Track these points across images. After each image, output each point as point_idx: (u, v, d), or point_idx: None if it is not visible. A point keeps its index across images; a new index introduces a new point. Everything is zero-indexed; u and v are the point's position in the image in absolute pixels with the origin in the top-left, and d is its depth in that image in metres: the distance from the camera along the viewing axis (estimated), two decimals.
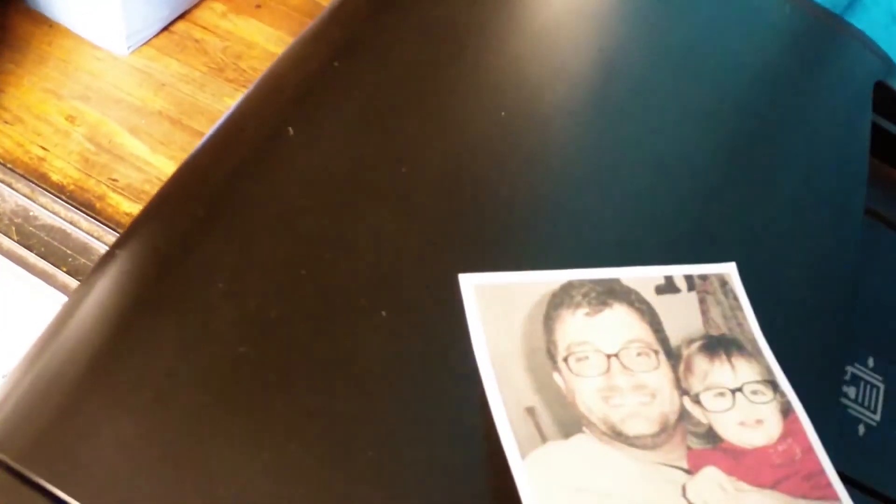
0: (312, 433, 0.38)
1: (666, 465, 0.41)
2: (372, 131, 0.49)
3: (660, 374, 0.44)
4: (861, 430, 0.54)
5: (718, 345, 0.46)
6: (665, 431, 0.42)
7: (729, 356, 0.46)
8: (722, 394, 0.44)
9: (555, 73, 0.57)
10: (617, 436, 0.41)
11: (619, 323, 0.45)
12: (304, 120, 0.48)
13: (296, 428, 0.38)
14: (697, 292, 0.47)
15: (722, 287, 0.48)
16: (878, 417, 0.55)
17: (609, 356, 0.44)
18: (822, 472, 0.43)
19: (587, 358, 0.43)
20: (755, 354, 0.46)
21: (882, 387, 0.56)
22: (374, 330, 0.42)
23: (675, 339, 0.45)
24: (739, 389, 0.45)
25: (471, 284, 0.43)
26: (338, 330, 0.42)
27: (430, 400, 0.42)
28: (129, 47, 1.18)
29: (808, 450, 0.44)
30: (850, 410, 0.55)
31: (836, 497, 0.43)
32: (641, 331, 0.45)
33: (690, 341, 0.45)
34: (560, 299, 0.45)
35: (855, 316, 0.58)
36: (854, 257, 0.55)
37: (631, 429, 0.42)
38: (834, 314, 0.53)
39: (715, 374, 0.45)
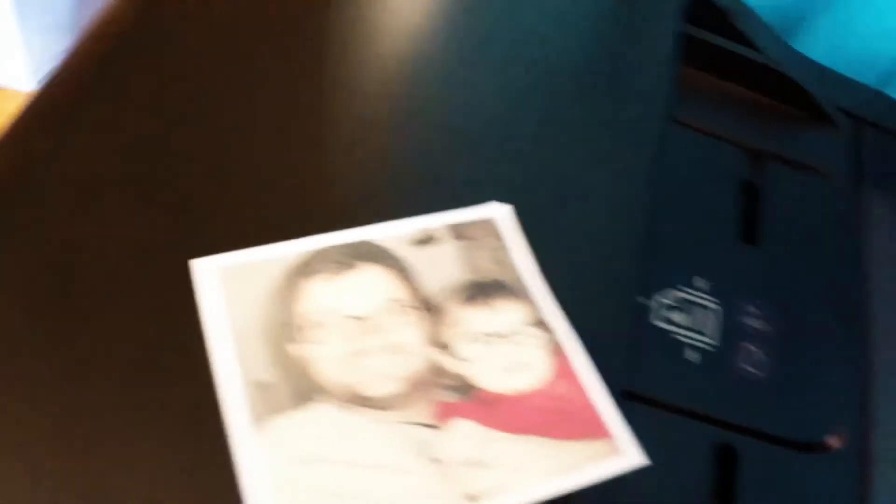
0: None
1: (411, 423, 0.39)
2: None
3: (412, 331, 0.42)
4: (693, 355, 0.51)
5: (481, 291, 0.44)
6: (412, 389, 0.40)
7: (492, 301, 0.44)
8: (480, 341, 0.42)
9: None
10: (356, 400, 0.39)
11: (369, 284, 0.43)
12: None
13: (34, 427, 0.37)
14: (461, 240, 0.45)
15: (490, 232, 0.45)
16: (712, 339, 0.52)
17: (354, 319, 0.42)
18: (594, 411, 0.41)
19: (328, 325, 0.41)
20: (523, 296, 0.44)
21: (716, 308, 0.53)
22: (109, 327, 0.40)
23: (433, 291, 0.43)
24: (501, 334, 0.43)
25: (207, 268, 0.42)
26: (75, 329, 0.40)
27: (166, 391, 0.40)
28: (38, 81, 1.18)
29: (581, 390, 0.41)
30: (677, 336, 0.52)
31: (607, 435, 0.40)
32: (394, 288, 0.43)
33: (451, 291, 0.43)
34: (302, 269, 0.43)
35: (672, 237, 0.55)
36: (650, 175, 0.52)
37: (372, 391, 0.40)
38: (631, 237, 0.50)
39: (474, 321, 0.43)
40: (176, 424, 0.38)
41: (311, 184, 0.47)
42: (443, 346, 0.42)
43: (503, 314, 0.43)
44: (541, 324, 0.43)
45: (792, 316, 0.55)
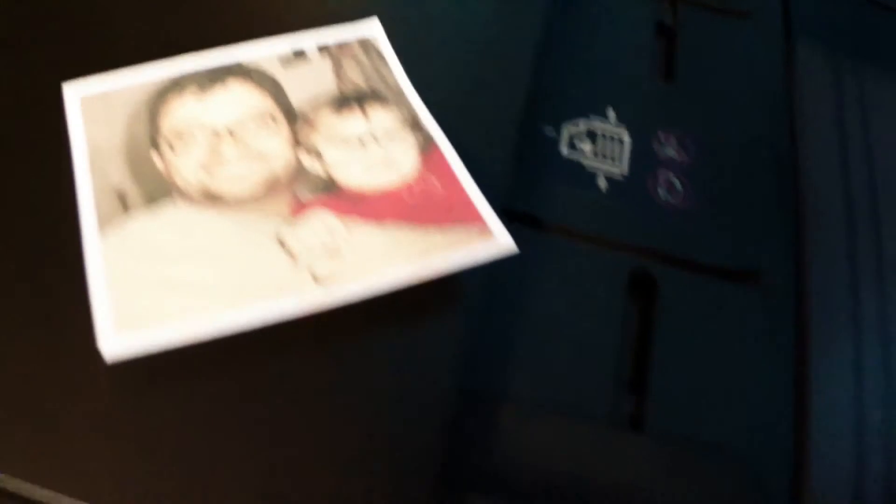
0: None
1: (265, 217, 0.38)
2: None
3: (277, 139, 0.41)
4: (602, 183, 0.49)
5: (352, 99, 0.43)
6: (270, 189, 0.39)
7: (363, 107, 0.42)
8: (350, 144, 0.41)
9: None
10: (211, 199, 0.38)
11: (236, 99, 0.42)
12: None
13: None
14: (333, 56, 0.44)
15: (363, 48, 0.44)
16: (623, 168, 0.50)
17: (219, 132, 0.41)
18: (463, 200, 0.40)
19: (191, 136, 0.41)
20: (397, 102, 0.42)
21: (628, 139, 0.51)
22: None
23: (301, 103, 0.42)
24: (373, 137, 0.41)
25: (76, 90, 0.41)
26: None
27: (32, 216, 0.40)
28: None
29: (451, 182, 0.40)
30: (586, 165, 0.50)
31: (477, 221, 0.39)
32: (262, 102, 0.42)
33: (321, 102, 0.42)
34: (171, 87, 0.42)
35: (584, 71, 0.53)
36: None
37: (228, 191, 0.39)
38: (521, 67, 0.48)
39: (343, 125, 0.42)
40: (40, 240, 0.38)
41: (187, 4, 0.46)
42: (308, 150, 0.40)
43: (376, 119, 0.42)
44: (415, 125, 0.41)
45: (711, 149, 0.53)
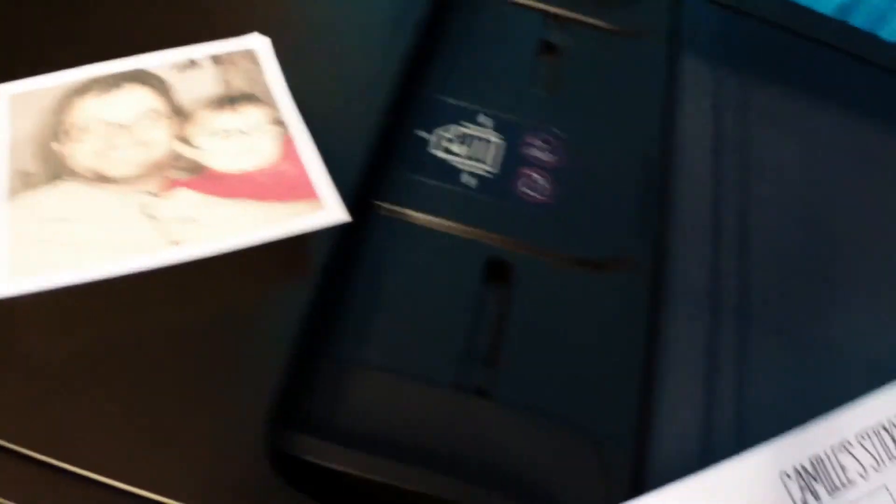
0: None
1: (139, 192, 0.46)
2: None
3: (161, 131, 0.49)
4: (471, 180, 0.56)
5: (231, 100, 0.50)
6: (149, 171, 0.47)
7: (238, 107, 0.50)
8: (219, 135, 0.49)
9: None
10: (100, 178, 0.46)
11: (133, 100, 0.50)
12: None
13: None
14: (220, 65, 0.52)
15: (248, 58, 0.52)
16: (489, 167, 0.57)
17: (115, 125, 0.49)
18: (309, 181, 0.47)
19: (91, 129, 0.49)
20: (268, 102, 0.50)
21: (497, 141, 0.58)
22: None
23: (188, 103, 0.50)
24: (241, 130, 0.49)
25: (7, 91, 0.50)
26: None
27: None
28: None
29: (302, 169, 0.47)
30: (454, 165, 0.57)
31: (315, 197, 0.46)
32: (154, 102, 0.50)
33: (203, 102, 0.50)
34: (78, 89, 0.50)
35: (461, 81, 0.60)
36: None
37: (114, 171, 0.47)
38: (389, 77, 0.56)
39: (218, 120, 0.49)
40: None
41: (93, 15, 0.54)
42: (185, 141, 0.48)
43: (246, 116, 0.49)
44: (279, 122, 0.49)
45: (580, 151, 0.59)
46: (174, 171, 0.47)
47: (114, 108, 0.49)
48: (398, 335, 0.50)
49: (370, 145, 0.51)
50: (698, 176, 0.62)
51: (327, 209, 0.45)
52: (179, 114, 0.49)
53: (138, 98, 0.50)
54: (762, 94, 0.68)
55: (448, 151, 0.57)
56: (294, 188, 0.46)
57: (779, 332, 0.58)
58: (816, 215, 0.63)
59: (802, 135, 0.68)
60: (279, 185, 0.46)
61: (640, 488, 0.49)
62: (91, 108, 0.49)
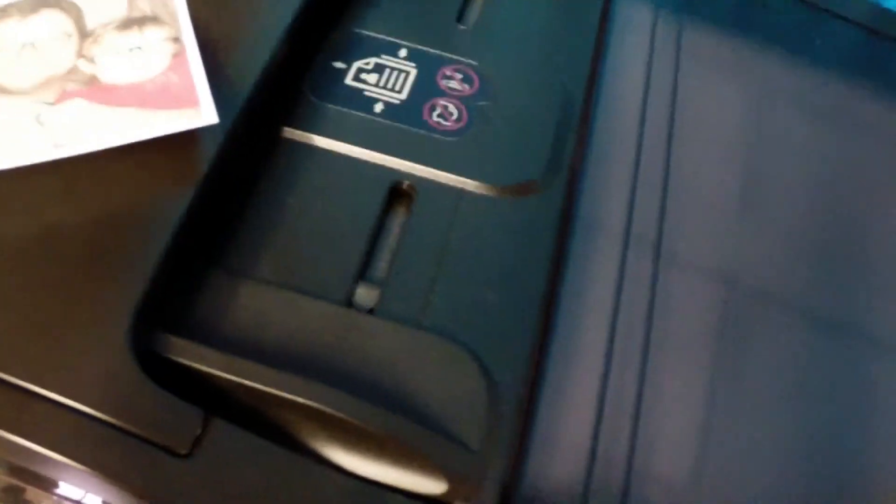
0: None
1: (35, 102, 0.48)
2: None
3: (66, 50, 0.51)
4: (379, 107, 0.57)
5: (134, 21, 0.52)
6: (47, 83, 0.49)
7: (141, 27, 0.52)
8: (121, 54, 0.50)
9: None
10: (4, 91, 0.49)
11: (48, 23, 0.52)
12: None
13: None
14: None
15: None
16: (402, 96, 0.58)
17: (28, 45, 0.51)
18: (192, 92, 0.48)
19: (5, 49, 0.51)
20: (170, 23, 0.52)
21: (413, 72, 0.59)
22: None
23: (95, 25, 0.52)
24: (140, 47, 0.51)
25: None
26: None
27: None
28: None
29: (187, 78, 0.49)
30: (366, 93, 0.58)
31: (194, 105, 0.48)
32: (64, 23, 0.52)
33: (110, 24, 0.52)
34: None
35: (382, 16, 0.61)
36: None
37: (15, 83, 0.49)
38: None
39: (119, 40, 0.51)
40: None
41: None
42: (87, 58, 0.50)
43: (147, 35, 0.51)
44: (175, 40, 0.50)
45: (498, 83, 0.60)
46: (70, 84, 0.49)
47: (29, 30, 0.51)
48: (292, 252, 0.51)
49: (265, 68, 0.52)
50: (624, 112, 0.62)
51: (199, 114, 0.46)
52: (86, 34, 0.51)
53: (53, 21, 0.52)
54: (697, 34, 0.68)
55: (363, 81, 0.58)
56: (175, 96, 0.47)
57: (693, 270, 0.57)
58: (740, 156, 0.63)
59: (736, 77, 0.67)
60: (163, 93, 0.48)
61: (532, 415, 0.49)
62: (8, 31, 0.51)
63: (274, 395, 0.44)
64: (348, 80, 0.58)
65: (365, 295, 0.49)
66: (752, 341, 0.58)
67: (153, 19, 0.52)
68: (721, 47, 0.67)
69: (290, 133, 0.55)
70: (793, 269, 0.58)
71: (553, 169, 0.56)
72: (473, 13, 0.64)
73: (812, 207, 0.61)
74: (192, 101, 0.48)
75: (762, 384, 0.56)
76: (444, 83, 0.59)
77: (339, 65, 0.58)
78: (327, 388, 0.44)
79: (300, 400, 0.44)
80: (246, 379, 0.44)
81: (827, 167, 0.63)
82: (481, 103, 0.58)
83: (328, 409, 0.44)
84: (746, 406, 0.55)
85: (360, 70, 0.58)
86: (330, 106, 0.56)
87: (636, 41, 0.65)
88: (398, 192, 0.54)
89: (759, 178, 0.62)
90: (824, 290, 0.60)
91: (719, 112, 0.63)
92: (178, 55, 0.50)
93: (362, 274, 0.50)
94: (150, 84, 0.49)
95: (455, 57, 0.60)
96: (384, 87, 0.58)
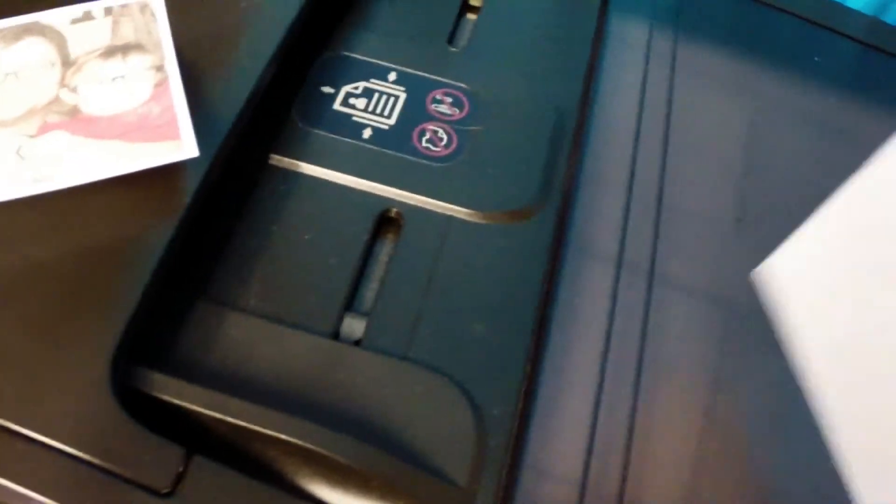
0: None
1: (14, 135, 0.48)
2: None
3: (48, 79, 0.50)
4: (367, 133, 0.56)
5: (118, 49, 0.52)
6: (29, 114, 0.48)
7: (125, 55, 0.51)
8: (104, 83, 0.50)
9: None
10: None
11: (29, 51, 0.52)
12: None
13: None
14: (114, 16, 0.53)
15: (140, 9, 0.53)
16: (391, 121, 0.57)
17: (10, 74, 0.51)
18: (174, 124, 0.48)
19: None
20: (153, 51, 0.51)
21: (403, 95, 0.58)
22: None
23: (77, 52, 0.51)
24: (123, 76, 0.50)
25: None
26: None
27: None
28: None
29: (169, 109, 0.48)
30: (355, 119, 0.57)
31: (175, 138, 0.47)
32: (49, 53, 0.52)
33: (93, 52, 0.52)
34: None
35: (374, 40, 0.60)
36: None
37: None
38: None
39: (102, 68, 0.51)
40: None
41: None
42: (69, 87, 0.49)
43: (130, 63, 0.50)
44: (158, 68, 0.50)
45: (488, 106, 0.59)
46: (52, 115, 0.48)
47: (12, 58, 0.51)
48: (278, 282, 0.50)
49: (251, 94, 0.51)
50: (618, 132, 0.61)
51: (180, 147, 0.46)
52: (69, 63, 0.50)
53: (35, 49, 0.52)
54: (693, 53, 0.67)
55: (351, 106, 0.57)
56: (156, 128, 0.47)
57: (687, 293, 0.56)
58: (739, 177, 0.62)
59: (733, 95, 0.66)
60: (144, 125, 0.47)
61: (521, 449, 0.48)
62: None
63: (257, 432, 0.43)
64: (336, 105, 0.57)
65: (351, 326, 0.49)
66: (748, 365, 0.57)
67: (137, 46, 0.52)
68: (718, 65, 0.66)
69: (278, 160, 0.54)
70: None
71: (545, 194, 0.55)
72: (464, 35, 0.63)
73: None
74: (172, 134, 0.47)
75: (760, 410, 0.55)
76: (433, 107, 0.58)
77: (328, 89, 0.58)
78: (310, 425, 0.43)
79: (283, 437, 0.43)
80: (228, 415, 0.44)
81: (826, 187, 0.62)
82: (471, 128, 0.57)
83: (311, 446, 0.43)
84: (743, 432, 0.54)
85: (349, 94, 0.58)
86: (318, 132, 0.55)
87: (631, 59, 0.64)
88: (386, 219, 0.53)
89: (756, 197, 0.61)
90: None
91: (715, 130, 0.62)
92: (160, 84, 0.49)
93: (349, 304, 0.50)
94: (131, 115, 0.48)
95: (445, 80, 0.59)
96: (373, 112, 0.57)
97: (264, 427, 0.43)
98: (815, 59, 0.71)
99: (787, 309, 0.51)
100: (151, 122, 0.48)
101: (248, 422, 0.43)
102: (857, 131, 0.68)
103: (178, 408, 0.43)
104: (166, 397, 0.44)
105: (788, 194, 0.62)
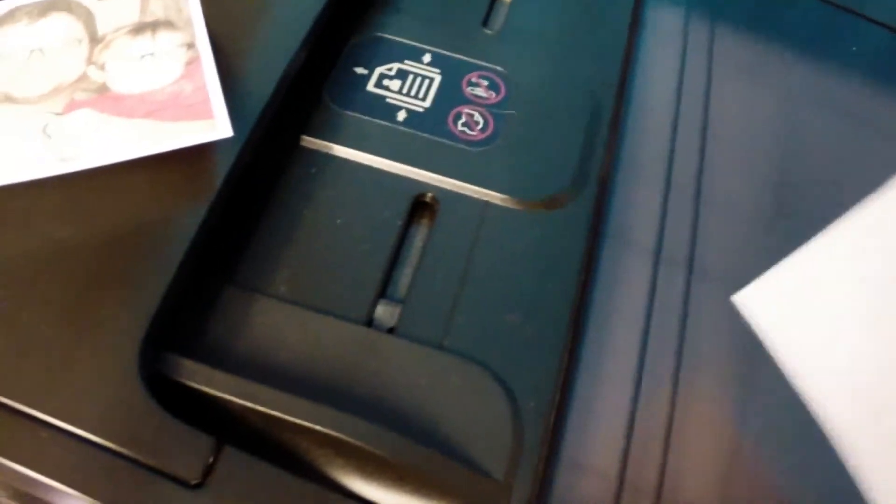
0: None
1: (42, 112, 0.46)
2: None
3: (76, 56, 0.49)
4: (401, 115, 0.55)
5: (147, 26, 0.50)
6: (56, 92, 0.47)
7: (154, 32, 0.50)
8: (132, 60, 0.48)
9: None
10: (6, 98, 0.47)
11: (56, 27, 0.50)
12: None
13: None
14: None
15: None
16: (426, 104, 0.55)
17: (36, 51, 0.49)
18: (206, 103, 0.46)
19: (13, 56, 0.49)
20: (184, 28, 0.50)
21: (438, 78, 0.57)
22: None
23: (106, 29, 0.50)
24: (152, 54, 0.49)
25: None
26: None
27: None
28: None
29: (201, 88, 0.47)
30: (389, 101, 0.56)
31: (209, 117, 0.46)
32: (76, 30, 0.50)
33: (121, 29, 0.50)
34: (6, 17, 0.51)
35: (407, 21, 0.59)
36: None
37: (22, 92, 0.47)
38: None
39: (131, 46, 0.49)
40: None
41: None
42: (97, 64, 0.48)
43: (160, 41, 0.49)
44: (189, 45, 0.48)
45: (525, 90, 0.57)
46: (79, 93, 0.46)
47: (37, 35, 0.49)
48: (309, 268, 0.49)
49: (283, 75, 0.50)
50: (655, 120, 0.60)
51: (214, 127, 0.44)
52: (97, 40, 0.49)
53: (62, 26, 0.50)
54: (731, 41, 0.65)
55: (385, 88, 0.55)
56: (188, 107, 0.45)
57: (726, 287, 0.55)
58: (777, 169, 0.60)
59: (771, 85, 0.64)
60: (175, 104, 0.46)
61: (557, 442, 0.46)
62: (15, 36, 0.49)
63: (288, 422, 0.42)
64: (370, 87, 0.55)
65: (385, 313, 0.47)
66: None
67: (167, 24, 0.50)
68: (756, 54, 0.64)
69: (310, 142, 0.53)
70: None
71: (581, 181, 0.53)
72: (499, 17, 0.62)
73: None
74: (205, 113, 0.45)
75: (798, 406, 0.53)
76: (469, 90, 0.56)
77: (361, 70, 0.56)
78: (344, 415, 0.42)
79: (315, 427, 0.42)
80: (259, 404, 0.42)
81: (867, 179, 0.60)
82: (508, 112, 0.56)
83: (345, 437, 0.42)
84: (782, 429, 0.53)
85: (383, 76, 0.56)
86: (350, 114, 0.54)
87: (667, 47, 0.63)
88: (421, 204, 0.52)
89: (796, 189, 0.59)
90: None
91: (754, 120, 0.61)
92: (192, 62, 0.48)
93: (382, 291, 0.48)
94: (161, 93, 0.47)
95: (481, 63, 0.58)
96: (407, 95, 0.55)
97: (296, 417, 0.42)
98: (853, 48, 0.69)
99: (775, 335, 0.50)
100: (183, 101, 0.46)
101: (279, 411, 0.42)
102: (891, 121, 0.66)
103: (208, 396, 0.42)
104: (196, 385, 0.42)
105: (827, 188, 0.61)
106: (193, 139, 0.44)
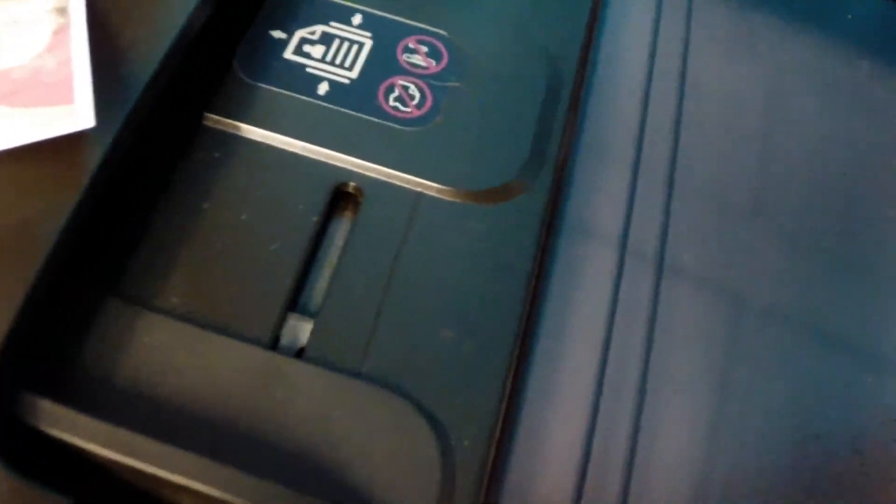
0: None
1: None
2: None
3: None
4: (323, 88, 0.47)
5: None
6: None
7: None
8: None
9: None
10: None
11: None
12: None
13: None
14: None
15: None
16: (353, 74, 0.47)
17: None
18: (67, 81, 0.38)
19: None
20: None
21: (369, 43, 0.48)
22: None
23: None
24: (18, 21, 0.40)
25: None
26: None
27: None
28: None
29: (65, 62, 0.38)
30: (309, 71, 0.47)
31: (68, 102, 0.37)
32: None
33: None
34: None
35: None
36: None
37: None
38: None
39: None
40: None
41: None
42: None
43: (31, 3, 0.40)
44: (61, 11, 0.40)
45: (470, 58, 0.49)
46: None
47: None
48: (206, 275, 0.41)
49: (177, 40, 0.41)
50: (623, 96, 0.51)
51: (72, 114, 0.36)
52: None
53: None
54: (712, 4, 0.57)
55: (306, 55, 0.47)
56: (47, 87, 0.37)
57: (697, 284, 0.47)
58: (760, 152, 0.52)
59: (756, 56, 0.56)
60: (33, 84, 0.37)
61: (498, 486, 0.40)
62: None
63: (165, 480, 0.34)
64: (288, 54, 0.47)
65: (294, 330, 0.40)
66: (764, 364, 0.48)
67: None
68: (740, 21, 0.56)
69: (214, 121, 0.45)
70: (809, 282, 0.48)
71: (536, 166, 0.46)
72: None
73: (834, 212, 0.51)
74: (64, 96, 0.37)
75: (776, 413, 0.47)
76: (405, 58, 0.48)
77: (279, 34, 0.48)
78: (234, 472, 0.35)
79: (199, 487, 0.34)
80: (132, 457, 0.35)
81: (855, 163, 0.53)
82: (450, 84, 0.48)
83: (234, 499, 0.34)
84: (754, 439, 0.46)
85: (304, 41, 0.48)
86: (263, 86, 0.46)
87: (639, 10, 0.54)
88: (342, 195, 0.44)
89: (778, 175, 0.52)
90: (841, 307, 0.50)
91: (736, 96, 0.53)
92: (60, 31, 0.39)
93: (293, 303, 0.40)
94: (19, 70, 0.38)
95: (420, 25, 0.49)
96: (331, 63, 0.47)
97: (175, 473, 0.35)
98: (849, 16, 0.61)
99: None
100: (41, 81, 0.38)
101: (155, 465, 0.35)
102: (889, 102, 0.59)
103: (71, 446, 0.34)
104: (56, 433, 0.34)
105: (812, 174, 0.53)
106: (45, 132, 0.36)
